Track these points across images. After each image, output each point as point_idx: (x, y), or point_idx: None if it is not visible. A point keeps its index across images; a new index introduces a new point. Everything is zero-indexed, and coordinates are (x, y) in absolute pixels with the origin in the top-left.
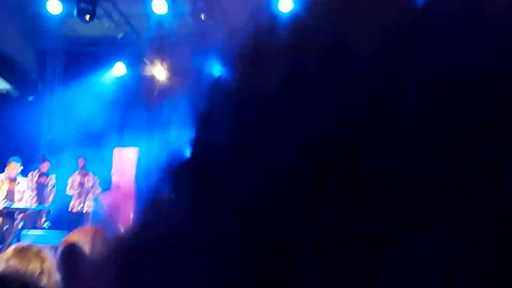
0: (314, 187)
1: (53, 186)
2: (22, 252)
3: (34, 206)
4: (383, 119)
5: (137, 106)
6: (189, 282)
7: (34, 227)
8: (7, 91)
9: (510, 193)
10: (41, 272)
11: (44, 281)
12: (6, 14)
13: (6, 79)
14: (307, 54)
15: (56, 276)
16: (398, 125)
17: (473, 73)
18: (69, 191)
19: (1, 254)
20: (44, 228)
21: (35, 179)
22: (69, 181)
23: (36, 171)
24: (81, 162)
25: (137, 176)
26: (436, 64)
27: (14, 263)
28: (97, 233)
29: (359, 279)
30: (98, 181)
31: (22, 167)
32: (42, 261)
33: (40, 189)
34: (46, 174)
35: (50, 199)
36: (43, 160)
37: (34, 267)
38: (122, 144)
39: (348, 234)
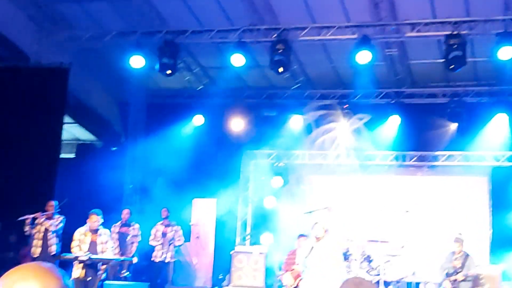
0: None
1: (136, 236)
2: None
3: (116, 256)
4: None
5: (215, 157)
6: None
7: (116, 278)
8: (92, 142)
9: None
10: None
11: None
12: (92, 68)
13: (91, 130)
14: None
15: None
16: None
17: None
18: (151, 242)
19: None
20: (125, 279)
21: (117, 230)
22: (152, 231)
23: (119, 222)
24: (164, 212)
25: (216, 227)
26: None
27: None
28: None
29: None
30: (181, 231)
31: (102, 219)
32: None
33: (122, 239)
34: (128, 224)
35: (133, 249)
36: (124, 210)
37: None
38: (201, 195)
39: None
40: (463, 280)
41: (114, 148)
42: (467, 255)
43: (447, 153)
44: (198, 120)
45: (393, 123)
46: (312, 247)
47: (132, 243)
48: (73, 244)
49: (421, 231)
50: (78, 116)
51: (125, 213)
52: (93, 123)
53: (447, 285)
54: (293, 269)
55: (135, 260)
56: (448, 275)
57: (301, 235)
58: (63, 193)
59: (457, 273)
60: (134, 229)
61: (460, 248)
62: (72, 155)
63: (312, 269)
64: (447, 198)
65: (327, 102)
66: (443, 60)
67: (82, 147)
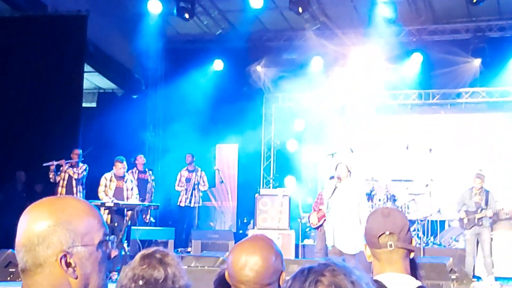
0: None
1: (152, 181)
2: (147, 260)
3: (141, 202)
4: None
5: (236, 101)
6: None
7: (141, 223)
8: (112, 90)
9: None
10: (165, 279)
11: (169, 286)
12: (109, 15)
13: (111, 78)
14: None
15: (182, 281)
16: None
17: None
18: (177, 187)
19: (128, 263)
20: (151, 224)
21: (135, 176)
22: (177, 177)
23: (134, 168)
24: (188, 158)
25: (239, 171)
26: None
27: (139, 272)
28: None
29: None
30: (205, 177)
31: (126, 167)
32: (167, 266)
33: (142, 185)
34: (144, 171)
35: (151, 194)
36: (139, 156)
37: (159, 274)
38: (224, 140)
39: None
40: (490, 217)
41: (135, 96)
42: (487, 191)
43: (471, 89)
44: (218, 65)
45: (416, 61)
46: (336, 188)
47: (151, 188)
48: (100, 189)
49: (445, 169)
50: (98, 64)
51: (140, 160)
52: (113, 71)
53: (466, 221)
54: (320, 209)
55: None
56: (469, 212)
57: (332, 177)
58: (86, 142)
59: (482, 209)
60: (150, 175)
61: (481, 185)
62: (93, 104)
63: (334, 209)
64: (471, 135)
65: (348, 42)
66: None
67: (103, 96)
